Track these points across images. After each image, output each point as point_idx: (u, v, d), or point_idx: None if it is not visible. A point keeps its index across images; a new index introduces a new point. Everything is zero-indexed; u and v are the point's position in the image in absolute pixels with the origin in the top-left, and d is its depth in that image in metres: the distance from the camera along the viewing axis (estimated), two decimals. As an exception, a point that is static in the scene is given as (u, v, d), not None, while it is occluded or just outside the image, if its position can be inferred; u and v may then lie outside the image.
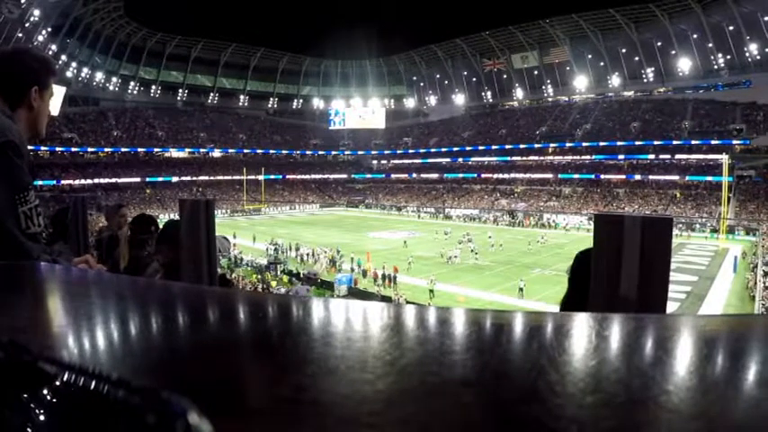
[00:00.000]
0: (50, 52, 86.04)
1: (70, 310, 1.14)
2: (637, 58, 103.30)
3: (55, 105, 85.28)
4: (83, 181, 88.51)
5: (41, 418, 0.43)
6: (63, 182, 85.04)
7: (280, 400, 0.59)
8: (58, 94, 71.50)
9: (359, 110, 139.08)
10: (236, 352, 0.83)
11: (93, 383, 0.44)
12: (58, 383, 0.45)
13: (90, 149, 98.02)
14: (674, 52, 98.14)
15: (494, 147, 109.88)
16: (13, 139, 2.37)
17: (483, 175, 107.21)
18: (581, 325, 0.94)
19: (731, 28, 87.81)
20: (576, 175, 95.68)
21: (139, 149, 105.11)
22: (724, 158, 71.69)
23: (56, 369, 0.47)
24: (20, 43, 70.64)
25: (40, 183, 78.97)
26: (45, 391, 0.45)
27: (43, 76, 2.67)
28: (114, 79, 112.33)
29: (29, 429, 0.42)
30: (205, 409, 0.41)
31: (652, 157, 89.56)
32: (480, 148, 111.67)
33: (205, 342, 0.89)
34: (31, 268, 1.67)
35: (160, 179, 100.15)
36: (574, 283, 3.02)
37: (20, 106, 2.58)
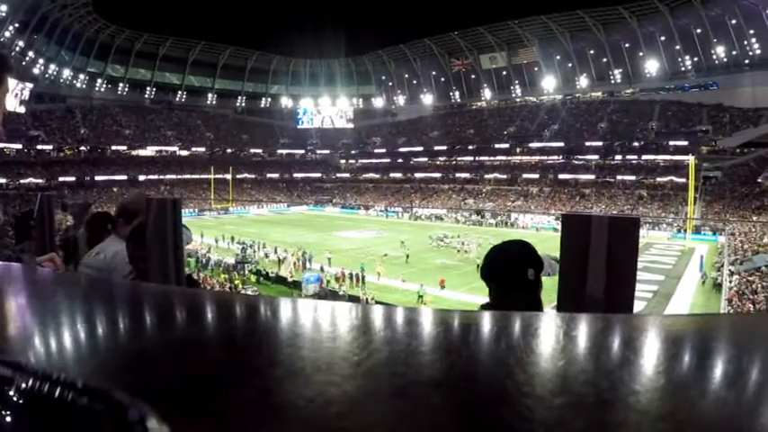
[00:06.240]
0: (17, 48, 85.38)
1: (31, 310, 1.12)
2: (604, 60, 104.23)
3: (13, 103, 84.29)
4: (49, 179, 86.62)
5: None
6: (28, 180, 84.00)
7: (244, 403, 0.58)
8: (24, 90, 71.26)
9: (327, 109, 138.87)
10: (201, 353, 0.82)
11: (48, 387, 0.42)
12: (11, 387, 0.44)
13: (56, 147, 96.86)
14: (641, 54, 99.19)
15: (462, 147, 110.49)
16: None
17: (451, 175, 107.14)
18: (549, 325, 0.93)
19: (698, 30, 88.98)
20: (544, 175, 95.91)
21: (106, 147, 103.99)
22: (690, 159, 72.19)
23: (9, 372, 0.46)
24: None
25: (5, 181, 77.88)
26: None
27: None
28: (81, 76, 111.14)
29: None
30: (167, 412, 0.41)
31: (619, 157, 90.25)
32: (448, 147, 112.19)
33: (169, 343, 0.88)
34: None
35: (127, 177, 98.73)
36: (494, 282, 2.96)
37: None
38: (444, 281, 38.52)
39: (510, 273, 2.91)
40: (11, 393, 0.43)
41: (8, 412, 0.42)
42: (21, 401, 0.43)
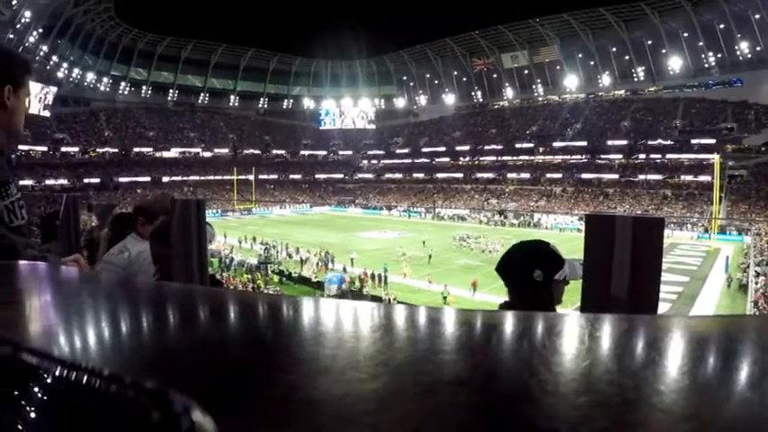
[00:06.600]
0: (41, 53, 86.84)
1: (59, 308, 1.13)
2: (627, 57, 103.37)
3: (38, 106, 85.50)
4: (74, 181, 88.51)
5: (39, 416, 0.43)
6: (54, 182, 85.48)
7: (272, 400, 0.59)
8: (48, 94, 71.96)
9: (349, 110, 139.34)
10: (228, 351, 0.83)
11: (99, 382, 0.43)
12: (59, 381, 0.45)
13: (81, 149, 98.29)
14: (664, 51, 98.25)
15: (484, 146, 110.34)
16: None
17: (473, 175, 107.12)
18: (573, 325, 0.93)
19: (722, 26, 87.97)
20: (567, 175, 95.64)
21: (130, 149, 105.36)
22: (715, 158, 71.51)
23: (56, 367, 0.46)
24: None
25: (31, 183, 78.95)
26: (44, 389, 0.44)
27: (17, 74, 2.61)
28: (105, 80, 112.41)
29: (20, 428, 0.41)
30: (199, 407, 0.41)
31: (643, 156, 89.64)
32: (470, 147, 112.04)
33: (197, 341, 0.88)
34: (20, 268, 1.68)
35: (151, 179, 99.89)
36: (504, 280, 3.03)
37: None
38: (476, 282, 36.89)
39: (516, 272, 2.96)
40: (56, 387, 0.45)
41: (51, 406, 0.43)
42: (71, 395, 0.44)
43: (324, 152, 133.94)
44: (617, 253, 2.50)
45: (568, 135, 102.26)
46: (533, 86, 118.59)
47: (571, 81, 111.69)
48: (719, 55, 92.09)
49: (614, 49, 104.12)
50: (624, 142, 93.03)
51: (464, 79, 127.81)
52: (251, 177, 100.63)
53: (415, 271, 43.21)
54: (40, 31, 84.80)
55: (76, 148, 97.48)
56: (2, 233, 2.35)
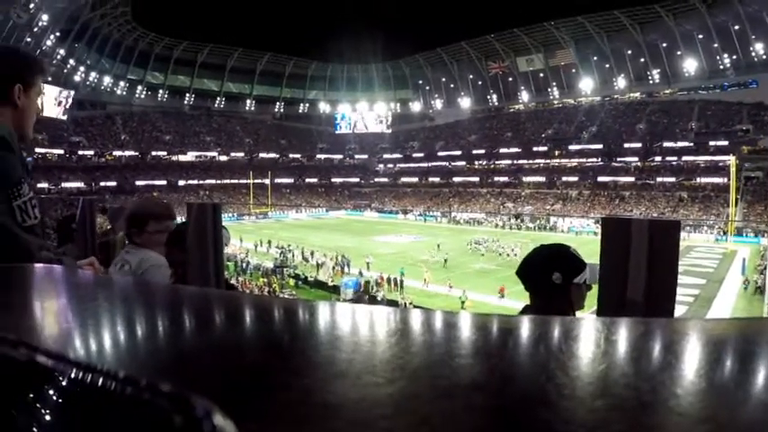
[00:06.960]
0: (58, 56, 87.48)
1: (75, 311, 1.13)
2: (642, 60, 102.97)
3: (56, 110, 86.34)
4: (90, 184, 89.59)
5: (55, 418, 0.43)
6: (70, 185, 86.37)
7: (288, 404, 0.59)
8: (68, 98, 72.44)
9: (365, 114, 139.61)
10: (244, 355, 0.83)
11: (115, 385, 0.43)
12: (75, 384, 0.45)
13: (97, 153, 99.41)
14: (679, 53, 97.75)
15: (500, 150, 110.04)
16: (2, 133, 2.41)
17: (489, 179, 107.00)
18: (589, 329, 0.93)
19: (736, 28, 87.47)
20: (583, 178, 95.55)
21: (147, 153, 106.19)
22: (731, 160, 71.28)
23: (72, 369, 0.46)
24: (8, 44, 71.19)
25: (47, 185, 79.87)
26: (59, 391, 0.45)
27: (28, 74, 2.67)
28: (122, 83, 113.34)
29: (36, 431, 0.42)
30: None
31: (659, 158, 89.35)
32: (486, 151, 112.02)
33: (212, 345, 0.88)
34: (36, 270, 1.67)
35: (167, 182, 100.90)
36: (524, 283, 3.01)
37: (4, 104, 2.57)
38: (504, 288, 35.67)
39: (536, 275, 2.96)
40: (74, 389, 0.44)
41: (67, 406, 0.43)
42: (82, 396, 0.44)
43: (340, 156, 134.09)
44: (633, 256, 2.54)
45: (584, 138, 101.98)
46: (549, 90, 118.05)
47: (586, 84, 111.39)
48: (734, 56, 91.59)
49: (629, 52, 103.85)
50: (640, 145, 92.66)
51: (479, 83, 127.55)
52: (267, 181, 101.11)
53: (431, 275, 43.27)
54: (58, 34, 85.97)
55: (93, 152, 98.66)
56: (15, 233, 2.36)
